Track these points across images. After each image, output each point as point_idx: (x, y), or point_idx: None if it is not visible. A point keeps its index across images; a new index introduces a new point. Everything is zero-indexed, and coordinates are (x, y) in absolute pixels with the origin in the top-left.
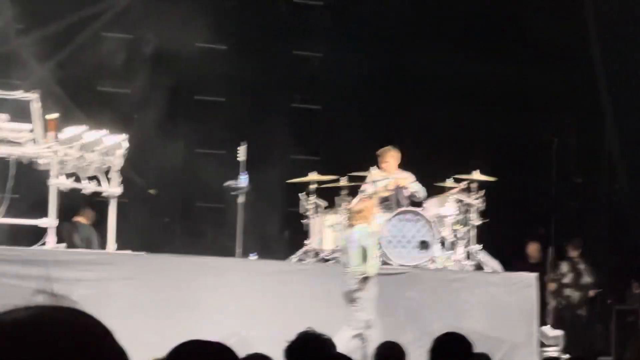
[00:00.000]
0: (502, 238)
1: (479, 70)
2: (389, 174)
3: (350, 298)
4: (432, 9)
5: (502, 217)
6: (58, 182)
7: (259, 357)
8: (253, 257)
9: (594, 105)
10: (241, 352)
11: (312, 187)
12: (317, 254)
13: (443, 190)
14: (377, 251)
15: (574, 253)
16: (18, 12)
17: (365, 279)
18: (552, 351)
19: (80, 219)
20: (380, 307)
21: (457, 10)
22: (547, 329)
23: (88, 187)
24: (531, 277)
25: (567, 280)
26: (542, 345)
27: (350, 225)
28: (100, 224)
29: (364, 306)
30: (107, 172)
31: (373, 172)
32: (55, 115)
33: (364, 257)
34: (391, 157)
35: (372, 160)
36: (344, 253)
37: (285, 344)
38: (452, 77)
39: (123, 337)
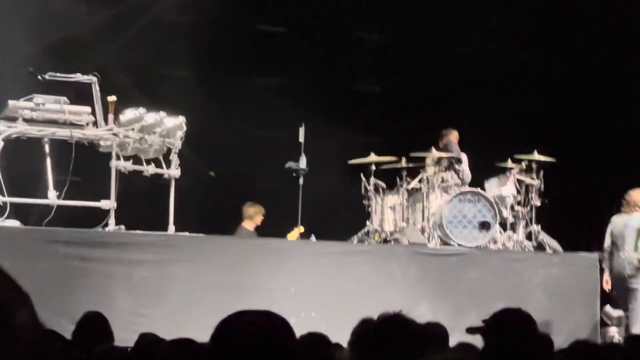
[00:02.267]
0: (562, 219)
1: (541, 51)
2: (449, 154)
3: (625, 284)
4: None
5: (562, 197)
6: (119, 164)
7: (316, 336)
8: (313, 238)
9: None
10: (301, 333)
11: (373, 168)
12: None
13: (503, 170)
14: None
15: None
16: None
17: None
18: (615, 332)
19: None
20: (442, 288)
21: None
22: (609, 309)
23: (148, 169)
24: (593, 257)
25: None
26: (604, 324)
27: (628, 211)
28: (160, 206)
29: None
30: (167, 154)
31: (434, 153)
32: (114, 97)
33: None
34: (455, 137)
35: (431, 141)
36: (619, 238)
37: (347, 324)
38: (513, 60)
39: (184, 317)
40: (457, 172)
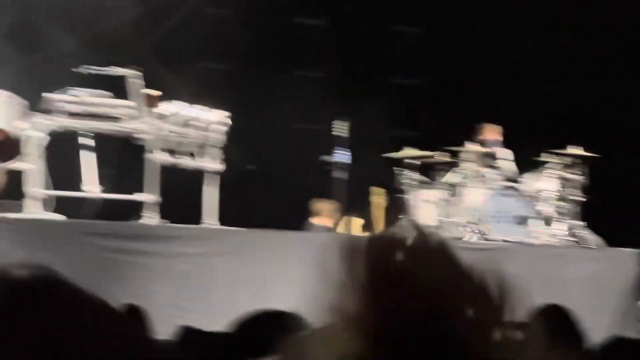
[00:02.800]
0: (604, 214)
1: (584, 43)
2: (488, 149)
3: None
4: None
5: (605, 192)
6: (158, 158)
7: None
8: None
9: None
10: None
11: (409, 162)
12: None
13: (543, 164)
14: None
15: None
16: None
17: None
18: None
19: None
20: None
21: None
22: None
23: (187, 162)
24: (634, 253)
25: None
26: None
27: None
28: (199, 199)
29: None
30: (207, 148)
31: (470, 147)
32: (154, 91)
33: None
34: (494, 132)
35: (469, 135)
36: None
37: None
38: (555, 52)
39: (225, 311)
40: (496, 167)
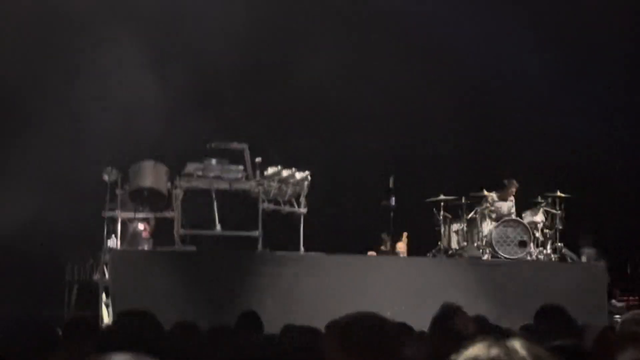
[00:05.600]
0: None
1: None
2: (505, 197)
3: None
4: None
5: (577, 223)
6: (264, 206)
7: (403, 326)
8: (401, 254)
9: None
10: (396, 321)
11: (442, 204)
12: (446, 251)
13: (535, 204)
14: None
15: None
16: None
17: None
18: (618, 318)
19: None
20: (493, 288)
21: None
22: (615, 302)
23: (284, 208)
24: (602, 265)
25: None
26: (611, 313)
27: None
28: (293, 234)
29: None
30: (297, 197)
31: (488, 194)
32: (260, 159)
33: None
34: (513, 186)
35: (485, 184)
36: None
37: (425, 315)
38: (543, 127)
39: (314, 321)
40: (503, 207)
